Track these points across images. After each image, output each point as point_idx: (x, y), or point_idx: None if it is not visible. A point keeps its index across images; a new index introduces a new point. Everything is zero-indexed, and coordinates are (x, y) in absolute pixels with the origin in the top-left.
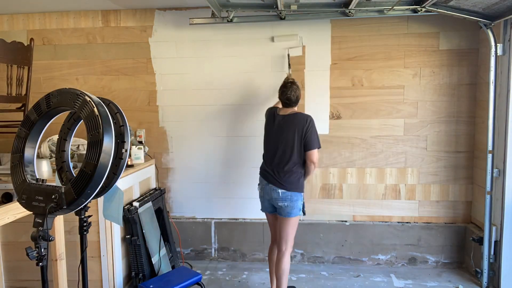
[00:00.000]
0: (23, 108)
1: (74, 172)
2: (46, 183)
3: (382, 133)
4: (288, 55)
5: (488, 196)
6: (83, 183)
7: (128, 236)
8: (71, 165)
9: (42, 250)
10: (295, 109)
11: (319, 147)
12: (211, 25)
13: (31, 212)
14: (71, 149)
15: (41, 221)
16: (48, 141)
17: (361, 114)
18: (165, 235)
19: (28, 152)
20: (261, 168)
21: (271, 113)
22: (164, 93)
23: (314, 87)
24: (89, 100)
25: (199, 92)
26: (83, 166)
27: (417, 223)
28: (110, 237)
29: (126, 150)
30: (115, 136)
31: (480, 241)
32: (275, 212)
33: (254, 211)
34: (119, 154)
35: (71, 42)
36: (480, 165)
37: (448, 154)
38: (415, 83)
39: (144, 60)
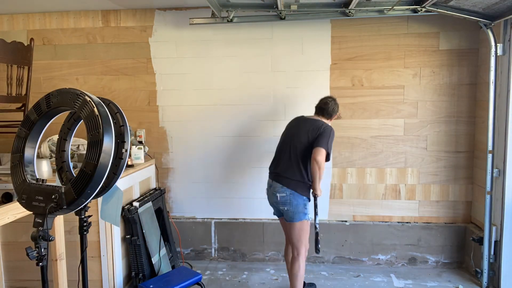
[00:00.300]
0: (23, 108)
1: (74, 172)
2: (46, 183)
3: (382, 133)
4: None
5: (488, 196)
6: (83, 183)
7: (128, 236)
8: (71, 165)
9: (42, 250)
10: (321, 118)
11: (327, 151)
12: (211, 25)
13: (31, 212)
14: (71, 149)
15: (41, 221)
16: (48, 141)
17: (361, 114)
18: (165, 235)
19: (28, 152)
20: (269, 169)
21: (297, 117)
22: (164, 93)
23: (314, 87)
24: (89, 100)
25: (199, 92)
26: (83, 166)
27: (417, 223)
28: (110, 237)
29: (126, 150)
30: (115, 136)
31: (480, 241)
32: (281, 216)
33: (254, 211)
34: (119, 154)
35: (71, 42)
36: (480, 165)
37: (448, 154)
38: (415, 83)
39: (144, 60)
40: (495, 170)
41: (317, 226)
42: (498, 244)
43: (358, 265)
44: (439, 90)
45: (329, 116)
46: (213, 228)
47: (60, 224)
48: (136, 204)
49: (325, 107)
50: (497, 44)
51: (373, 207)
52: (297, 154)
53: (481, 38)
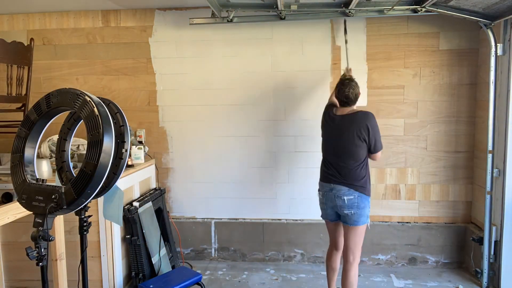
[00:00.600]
0: (23, 108)
1: (74, 172)
2: (46, 183)
3: (382, 133)
4: (346, 47)
5: (488, 196)
6: (83, 183)
7: (128, 236)
8: (71, 165)
9: (42, 250)
10: (354, 107)
11: (381, 148)
12: (211, 25)
13: (31, 212)
14: (71, 149)
15: (41, 221)
16: (48, 141)
17: None
18: (165, 235)
19: (28, 152)
20: (321, 172)
21: (327, 114)
22: (164, 93)
23: (315, 87)
24: (89, 100)
25: (199, 92)
26: (83, 166)
27: (417, 223)
28: (110, 237)
29: (126, 150)
30: (115, 136)
31: (480, 241)
32: (337, 220)
33: (254, 211)
34: (119, 154)
35: (71, 42)
36: (480, 165)
37: (448, 154)
38: (415, 83)
39: (144, 60)
40: (495, 170)
41: None
42: (498, 244)
43: (358, 265)
44: (439, 90)
45: (355, 101)
46: (213, 228)
47: (60, 224)
48: (136, 204)
49: (348, 99)
50: (497, 44)
51: (373, 207)
52: (354, 156)
53: (481, 38)
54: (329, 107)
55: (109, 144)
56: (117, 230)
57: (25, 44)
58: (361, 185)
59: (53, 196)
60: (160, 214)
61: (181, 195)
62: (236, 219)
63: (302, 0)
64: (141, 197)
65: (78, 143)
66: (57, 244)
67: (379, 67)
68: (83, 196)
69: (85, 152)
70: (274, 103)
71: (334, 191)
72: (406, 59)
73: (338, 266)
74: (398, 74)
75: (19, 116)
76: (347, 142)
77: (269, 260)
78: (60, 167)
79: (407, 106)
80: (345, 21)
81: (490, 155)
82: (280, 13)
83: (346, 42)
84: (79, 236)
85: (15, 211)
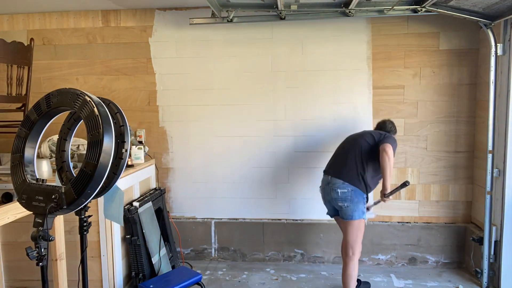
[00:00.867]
0: (23, 108)
1: (74, 172)
2: (46, 183)
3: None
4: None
5: (488, 196)
6: (83, 183)
7: (128, 236)
8: (71, 165)
9: (42, 250)
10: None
11: (393, 146)
12: (211, 25)
13: (31, 212)
14: (71, 149)
15: (41, 221)
16: (48, 141)
17: None
18: (165, 235)
19: (28, 152)
20: (326, 168)
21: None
22: (164, 93)
23: (315, 87)
24: (89, 100)
25: (199, 92)
26: (83, 166)
27: (417, 223)
28: (110, 237)
29: (126, 150)
30: (115, 136)
31: (480, 241)
32: (338, 215)
33: (254, 211)
34: (119, 154)
35: (71, 42)
36: (480, 165)
37: (448, 154)
38: (415, 83)
39: (144, 60)
40: (495, 170)
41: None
42: (498, 244)
43: (358, 265)
44: (439, 90)
45: (386, 132)
46: (213, 228)
47: (60, 224)
48: (136, 204)
49: (386, 127)
50: (497, 44)
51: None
52: (362, 152)
53: (481, 38)
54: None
55: (109, 144)
56: (117, 230)
57: (25, 44)
58: (357, 181)
59: (53, 196)
60: (160, 214)
61: (181, 195)
62: (236, 219)
63: (302, 0)
64: (141, 197)
65: (78, 143)
66: (57, 244)
67: (379, 67)
68: (83, 196)
69: (85, 152)
70: (274, 103)
71: (331, 185)
72: (406, 59)
73: None
74: (398, 74)
75: (19, 116)
76: (357, 141)
77: (269, 260)
78: (60, 167)
79: (407, 106)
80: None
81: (490, 155)
82: (280, 13)
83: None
84: (79, 236)
85: (15, 211)
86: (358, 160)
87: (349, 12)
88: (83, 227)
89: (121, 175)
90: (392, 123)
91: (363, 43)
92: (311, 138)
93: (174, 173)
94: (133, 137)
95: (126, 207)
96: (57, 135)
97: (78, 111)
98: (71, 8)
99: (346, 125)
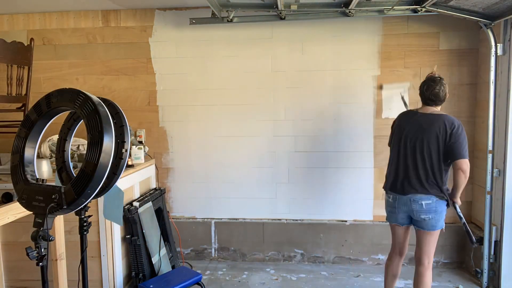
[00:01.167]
0: (23, 108)
1: (74, 172)
2: (46, 183)
3: (382, 133)
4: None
5: (488, 196)
6: (83, 183)
7: (128, 236)
8: (71, 165)
9: (42, 250)
10: (438, 109)
11: (467, 157)
12: (211, 25)
13: (31, 212)
14: (71, 149)
15: (41, 221)
16: (48, 141)
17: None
18: (165, 235)
19: (28, 152)
20: (390, 175)
21: (406, 113)
22: (164, 93)
23: (315, 87)
24: (89, 100)
25: (199, 92)
26: (83, 166)
27: None
28: (110, 237)
29: (126, 150)
30: (115, 136)
31: (480, 241)
32: (409, 224)
33: (254, 211)
34: (119, 154)
35: (71, 42)
36: (480, 165)
37: None
38: (415, 83)
39: (144, 60)
40: (495, 170)
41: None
42: (498, 244)
43: (358, 265)
44: None
45: (443, 101)
46: (213, 228)
47: (60, 224)
48: (136, 204)
49: (437, 97)
50: (497, 44)
51: (374, 207)
52: (432, 160)
53: (481, 38)
54: (404, 113)
55: (109, 144)
56: (117, 230)
57: (25, 44)
58: (438, 190)
59: (53, 196)
60: (160, 214)
61: (181, 195)
62: (236, 219)
63: (302, 0)
64: (141, 197)
65: (78, 143)
66: (57, 244)
67: (379, 67)
68: (83, 196)
69: (85, 152)
70: (274, 103)
71: (409, 196)
72: (406, 59)
73: (399, 273)
74: (398, 74)
75: (19, 116)
76: (425, 143)
77: (269, 260)
78: (60, 167)
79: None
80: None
81: (490, 155)
82: (280, 13)
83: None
84: (79, 236)
85: (15, 211)
86: (431, 168)
87: (349, 12)
88: (83, 227)
89: (121, 175)
90: (442, 83)
91: (363, 43)
92: (311, 138)
93: (174, 173)
94: (133, 137)
95: (126, 207)
96: (57, 135)
97: (78, 111)
98: (71, 8)
99: (347, 125)
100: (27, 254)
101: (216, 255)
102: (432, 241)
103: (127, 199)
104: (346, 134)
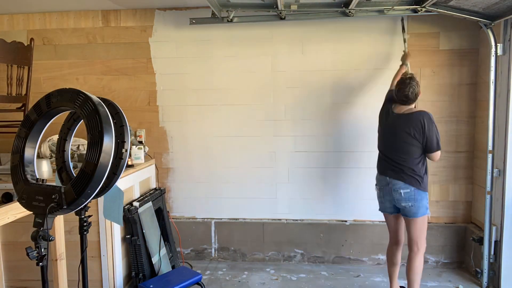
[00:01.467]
0: (23, 108)
1: (74, 172)
2: (46, 183)
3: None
4: (405, 46)
5: (488, 196)
6: (83, 183)
7: (128, 236)
8: (71, 165)
9: (42, 250)
10: (412, 106)
11: (439, 149)
12: (211, 25)
13: (31, 212)
14: (71, 149)
15: (41, 221)
16: (48, 141)
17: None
18: (165, 235)
19: (28, 152)
20: (378, 167)
21: (386, 110)
22: (164, 93)
23: (315, 87)
24: (89, 100)
25: (199, 92)
26: (83, 166)
27: None
28: (110, 237)
29: (126, 150)
30: (115, 136)
31: (480, 241)
32: (396, 213)
33: (254, 211)
34: (119, 154)
35: (71, 42)
36: (480, 165)
37: (448, 154)
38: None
39: (144, 60)
40: (495, 170)
41: None
42: (498, 244)
43: (358, 265)
44: (439, 90)
45: (414, 100)
46: (213, 228)
47: (60, 224)
48: (136, 204)
49: (408, 98)
50: (497, 44)
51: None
52: (409, 153)
53: (481, 38)
54: (389, 102)
55: (109, 144)
56: (117, 230)
57: (25, 44)
58: (416, 180)
59: (53, 196)
60: (160, 214)
61: (181, 195)
62: (236, 219)
63: (302, 0)
64: (141, 197)
65: (78, 143)
66: (57, 244)
67: (379, 67)
68: (83, 196)
69: (85, 152)
70: (274, 103)
71: (391, 185)
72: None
73: (400, 261)
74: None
75: (19, 116)
76: (400, 140)
77: (269, 260)
78: (60, 167)
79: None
80: (402, 19)
81: (490, 155)
82: (280, 13)
83: (404, 41)
84: (79, 236)
85: (15, 211)
86: (409, 160)
87: (349, 12)
88: (83, 227)
89: (121, 175)
90: (413, 84)
91: (363, 43)
92: (311, 138)
93: (174, 173)
94: (133, 137)
95: (126, 207)
96: (57, 135)
97: (78, 111)
98: (71, 8)
99: (347, 125)
100: (27, 254)
101: (216, 255)
102: (418, 227)
103: (127, 199)
104: (346, 134)
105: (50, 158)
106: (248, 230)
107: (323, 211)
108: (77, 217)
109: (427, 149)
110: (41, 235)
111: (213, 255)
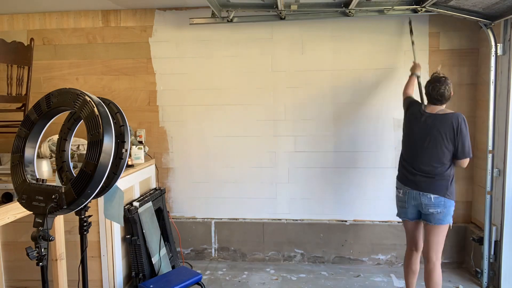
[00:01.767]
0: (23, 108)
1: (74, 172)
2: (46, 183)
3: (383, 133)
4: (413, 49)
5: (488, 196)
6: (83, 183)
7: (128, 236)
8: (71, 165)
9: (42, 250)
10: (444, 107)
11: (470, 156)
12: (211, 25)
13: (31, 212)
14: (71, 149)
15: (41, 221)
16: (48, 141)
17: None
18: (165, 235)
19: (28, 152)
20: (402, 170)
21: (414, 114)
22: (164, 93)
23: (315, 87)
24: (89, 100)
25: (199, 92)
26: (83, 166)
27: None
28: (110, 237)
29: (126, 150)
30: (115, 136)
31: (480, 241)
32: (418, 219)
33: (254, 211)
34: (119, 154)
35: (71, 42)
36: (480, 165)
37: None
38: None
39: (144, 60)
40: (495, 170)
41: None
42: (498, 244)
43: (358, 265)
44: None
45: (448, 100)
46: (213, 228)
47: (60, 224)
48: (136, 204)
49: (442, 97)
50: (497, 44)
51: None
52: (440, 157)
53: (481, 38)
54: (412, 105)
55: (109, 144)
56: (117, 230)
57: (25, 44)
58: (446, 185)
59: (53, 196)
60: (160, 214)
61: (181, 195)
62: (236, 219)
63: (302, 0)
64: (141, 197)
65: (78, 143)
66: (57, 244)
67: (379, 68)
68: (83, 196)
69: (85, 152)
70: (274, 103)
71: (419, 191)
72: (406, 59)
73: (418, 269)
74: (398, 74)
75: (19, 116)
76: (433, 142)
77: (269, 260)
78: (60, 167)
79: None
80: (410, 22)
81: (490, 155)
82: (280, 13)
83: (412, 43)
84: (79, 236)
85: (15, 211)
86: (440, 164)
87: (349, 12)
88: (83, 227)
89: (121, 175)
90: (447, 83)
91: (363, 43)
92: (311, 138)
93: (174, 173)
94: (133, 137)
95: (126, 207)
96: (57, 135)
97: (78, 111)
98: (71, 8)
99: (347, 124)
100: (27, 254)
101: (216, 255)
102: (440, 236)
103: (127, 199)
104: (346, 134)
105: (50, 158)
106: (248, 230)
107: (323, 211)
108: (77, 217)
109: (458, 154)
110: (41, 235)
111: (213, 255)
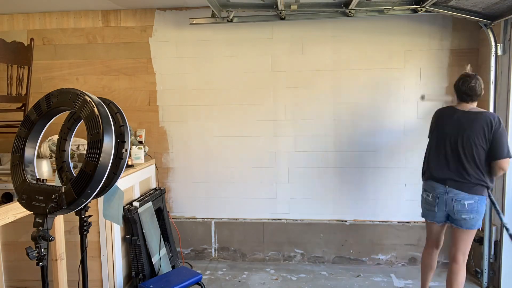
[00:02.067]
0: (23, 108)
1: (74, 172)
2: (46, 183)
3: (383, 133)
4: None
5: None
6: (83, 183)
7: (128, 236)
8: (71, 165)
9: (42, 250)
10: (475, 105)
11: (510, 157)
12: (211, 25)
13: (31, 212)
14: (71, 149)
15: (41, 221)
16: (48, 141)
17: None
18: (165, 235)
19: (28, 152)
20: (431, 171)
21: (445, 112)
22: (164, 93)
23: (315, 87)
24: (89, 100)
25: (199, 92)
26: (83, 166)
27: (417, 223)
28: (110, 237)
29: (126, 150)
30: (115, 136)
31: (480, 241)
32: (446, 222)
33: (254, 211)
34: (119, 154)
35: (71, 42)
36: None
37: None
38: (416, 83)
39: (144, 60)
40: None
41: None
42: (498, 244)
43: (358, 265)
44: (439, 90)
45: (479, 96)
46: (213, 228)
47: (60, 224)
48: (136, 204)
49: (473, 91)
50: (497, 44)
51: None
52: (474, 157)
53: (481, 38)
54: (445, 107)
55: (109, 144)
56: (117, 230)
57: (25, 44)
58: (480, 189)
59: (53, 196)
60: (160, 214)
61: (181, 195)
62: (236, 219)
63: (302, 0)
64: (141, 197)
65: (78, 143)
66: (57, 244)
67: (380, 68)
68: (83, 196)
69: (85, 152)
70: (274, 103)
71: (451, 194)
72: (406, 59)
73: (436, 265)
74: (398, 74)
75: (19, 116)
76: (467, 140)
77: (269, 260)
78: (60, 167)
79: (407, 106)
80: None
81: None
82: (280, 13)
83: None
84: (79, 236)
85: (15, 211)
86: (474, 166)
87: (349, 12)
88: (83, 227)
89: (121, 175)
90: (477, 79)
91: (363, 43)
92: (311, 138)
93: (174, 173)
94: (133, 137)
95: (126, 207)
96: (57, 135)
97: (78, 111)
98: (71, 8)
99: (347, 124)
100: (27, 254)
101: (216, 255)
102: (469, 239)
103: (127, 199)
104: (347, 134)
105: (50, 158)
106: (248, 230)
107: (323, 211)
108: (77, 217)
109: (495, 155)
110: (41, 235)
111: (213, 255)
